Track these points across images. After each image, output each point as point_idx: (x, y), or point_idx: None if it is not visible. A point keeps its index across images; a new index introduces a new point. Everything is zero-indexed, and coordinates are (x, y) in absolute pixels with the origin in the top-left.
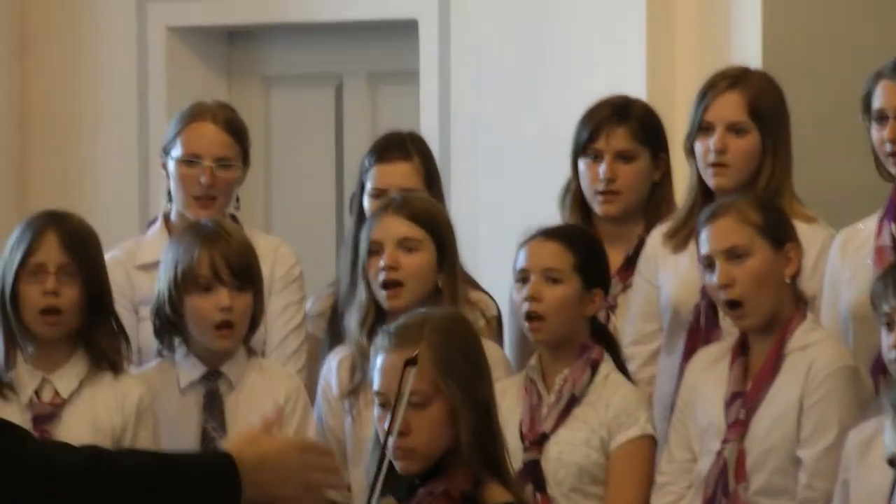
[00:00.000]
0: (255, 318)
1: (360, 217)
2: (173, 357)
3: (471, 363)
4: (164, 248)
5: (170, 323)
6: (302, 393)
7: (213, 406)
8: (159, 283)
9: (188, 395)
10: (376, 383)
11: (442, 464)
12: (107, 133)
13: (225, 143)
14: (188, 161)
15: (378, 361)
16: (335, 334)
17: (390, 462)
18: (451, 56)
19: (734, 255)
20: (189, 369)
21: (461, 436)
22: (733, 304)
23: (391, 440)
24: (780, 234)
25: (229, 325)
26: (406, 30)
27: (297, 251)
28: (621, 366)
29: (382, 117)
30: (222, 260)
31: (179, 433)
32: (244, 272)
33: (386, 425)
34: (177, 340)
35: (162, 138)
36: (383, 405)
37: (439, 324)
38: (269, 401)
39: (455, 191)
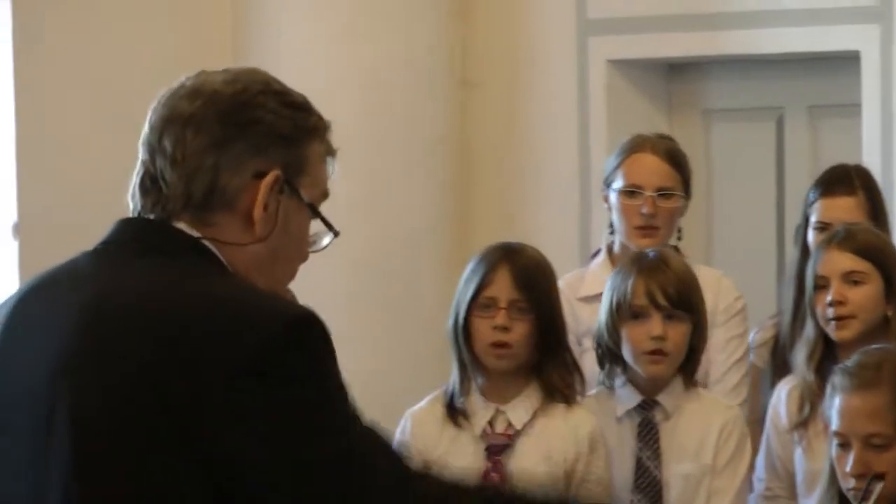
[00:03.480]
0: (696, 348)
1: (805, 250)
2: (613, 386)
3: None
4: (606, 280)
5: (609, 352)
6: (739, 424)
7: (648, 435)
8: (601, 312)
9: (623, 424)
10: (835, 423)
11: None
12: (548, 166)
13: (666, 173)
14: (629, 192)
15: (836, 402)
16: (778, 365)
17: None
18: (893, 88)
19: None
20: (626, 398)
21: None
22: None
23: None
24: None
25: (662, 353)
26: (847, 62)
27: (737, 283)
28: None
29: (824, 150)
30: (657, 289)
31: (615, 461)
32: (681, 302)
33: (848, 468)
34: (617, 370)
35: (602, 171)
36: (842, 445)
37: None
38: (703, 430)
39: None
